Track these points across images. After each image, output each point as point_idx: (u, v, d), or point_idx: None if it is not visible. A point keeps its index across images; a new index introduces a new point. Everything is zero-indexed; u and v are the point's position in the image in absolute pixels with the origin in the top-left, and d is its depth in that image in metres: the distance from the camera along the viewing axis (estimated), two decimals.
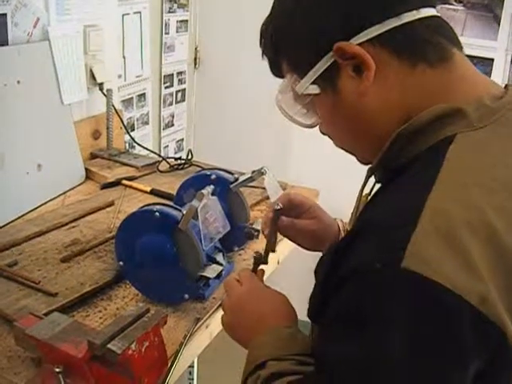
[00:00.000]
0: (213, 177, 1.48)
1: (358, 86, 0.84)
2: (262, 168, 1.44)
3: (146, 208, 1.27)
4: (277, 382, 0.83)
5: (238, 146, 3.11)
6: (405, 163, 0.82)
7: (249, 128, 3.13)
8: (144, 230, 1.26)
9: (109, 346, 0.92)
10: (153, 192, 1.96)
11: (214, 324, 1.36)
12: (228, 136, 3.18)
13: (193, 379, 2.10)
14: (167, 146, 3.09)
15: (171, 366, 1.03)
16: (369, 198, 0.95)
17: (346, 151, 0.97)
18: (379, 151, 0.85)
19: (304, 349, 0.90)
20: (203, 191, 1.21)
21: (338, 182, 2.74)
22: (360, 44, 0.82)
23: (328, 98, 0.89)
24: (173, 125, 3.08)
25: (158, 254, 1.26)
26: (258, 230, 1.48)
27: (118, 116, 2.30)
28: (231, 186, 1.47)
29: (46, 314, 1.19)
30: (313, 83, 0.89)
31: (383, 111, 0.85)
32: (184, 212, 1.22)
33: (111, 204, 1.86)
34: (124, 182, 2.04)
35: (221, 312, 1.36)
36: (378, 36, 0.82)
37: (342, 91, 0.86)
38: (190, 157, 2.25)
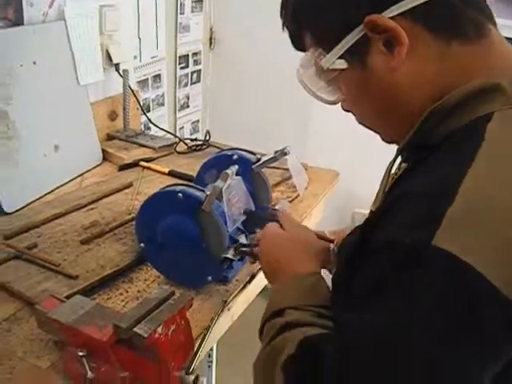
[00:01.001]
0: (235, 157, 1.44)
1: (389, 61, 0.81)
2: (284, 148, 1.40)
3: (168, 189, 1.24)
4: (292, 332, 0.80)
5: (254, 127, 3.07)
6: (438, 141, 0.79)
7: (265, 109, 3.09)
8: (166, 211, 1.23)
9: (135, 329, 0.90)
10: (171, 173, 1.93)
11: (236, 307, 1.34)
12: (244, 117, 3.14)
13: (212, 362, 2.08)
14: (182, 127, 3.06)
15: (198, 349, 1.01)
16: (395, 177, 0.92)
17: (370, 129, 0.93)
18: (408, 129, 0.82)
19: (324, 301, 0.87)
20: (228, 171, 1.17)
21: (357, 165, 2.71)
22: (392, 18, 0.78)
23: (355, 74, 0.85)
24: (188, 106, 3.05)
25: (181, 236, 1.23)
26: (275, 209, 1.45)
27: (135, 96, 2.27)
28: (253, 166, 1.44)
29: (67, 297, 1.16)
30: (339, 58, 0.85)
31: (415, 88, 0.82)
32: (208, 193, 1.19)
33: (129, 185, 1.83)
34: (142, 163, 2.01)
35: (243, 295, 1.35)
36: (411, 9, 0.78)
37: (372, 67, 0.83)
38: (207, 138, 2.22)
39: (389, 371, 0.64)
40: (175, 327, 0.95)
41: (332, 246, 1.20)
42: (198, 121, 3.21)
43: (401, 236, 0.67)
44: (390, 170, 0.93)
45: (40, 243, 1.45)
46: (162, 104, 2.76)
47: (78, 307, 1.07)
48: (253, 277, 1.39)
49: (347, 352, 0.67)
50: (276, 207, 1.46)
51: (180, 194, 1.20)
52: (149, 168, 1.99)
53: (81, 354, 1.00)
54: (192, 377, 0.97)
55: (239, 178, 1.27)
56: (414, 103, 0.82)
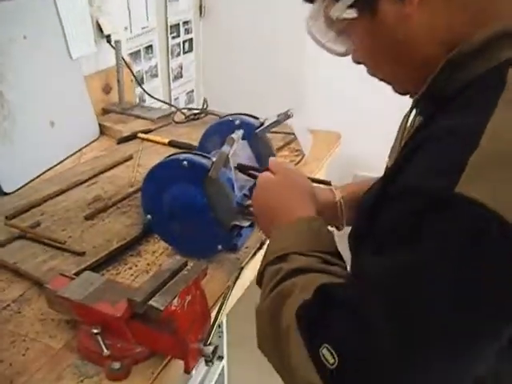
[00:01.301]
0: (237, 122, 1.40)
1: (401, 9, 0.77)
2: (288, 111, 1.37)
3: (172, 157, 1.21)
4: (302, 277, 0.78)
5: (249, 95, 3.01)
6: (456, 90, 0.75)
7: (260, 75, 3.03)
8: (172, 180, 1.20)
9: (150, 302, 0.87)
10: (171, 143, 1.89)
11: (247, 274, 1.31)
12: (239, 84, 3.08)
13: (222, 332, 2.06)
14: (177, 98, 3.01)
15: (215, 319, 0.98)
16: (411, 130, 0.88)
17: (382, 80, 0.90)
18: (422, 79, 0.79)
19: (329, 246, 0.86)
20: (233, 136, 1.14)
21: (357, 127, 2.67)
22: None
23: (366, 23, 0.82)
24: (182, 76, 3.00)
25: (188, 205, 1.19)
26: None
27: (128, 68, 2.21)
28: (257, 131, 1.40)
29: (76, 274, 1.14)
30: (349, 7, 0.81)
31: (428, 36, 0.78)
32: (214, 159, 1.15)
33: (129, 158, 1.80)
34: (140, 135, 1.97)
35: (253, 262, 1.32)
36: None
37: (383, 16, 0.79)
38: (205, 106, 2.17)
39: (414, 313, 0.62)
40: (191, 298, 0.92)
41: (337, 198, 1.16)
42: (192, 91, 3.15)
43: (422, 182, 0.65)
44: (406, 123, 0.90)
45: (43, 221, 1.41)
46: (156, 75, 2.71)
47: (87, 284, 1.04)
48: (262, 243, 1.36)
49: (371, 298, 0.65)
50: None
51: (185, 162, 1.17)
52: (148, 139, 1.95)
53: (95, 331, 0.97)
54: (211, 348, 0.95)
55: (245, 142, 1.23)
56: (429, 52, 0.79)
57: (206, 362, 0.96)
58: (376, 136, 2.83)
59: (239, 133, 1.18)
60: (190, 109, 2.24)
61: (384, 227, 0.71)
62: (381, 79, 0.89)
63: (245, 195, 1.31)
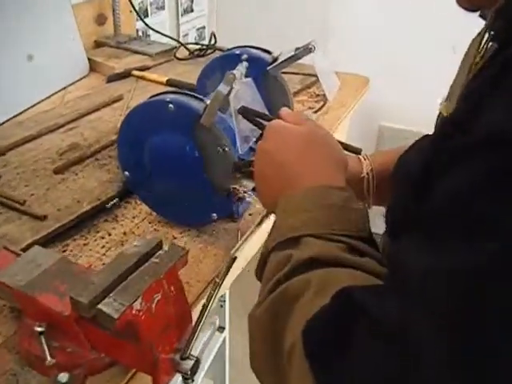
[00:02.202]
0: (244, 56, 1.12)
1: None
2: (309, 43, 1.07)
3: (155, 98, 0.93)
4: (319, 272, 0.53)
5: (267, 31, 2.71)
6: None
7: (279, 8, 2.72)
8: (154, 128, 0.92)
9: (100, 306, 0.61)
10: (170, 83, 1.61)
11: (250, 246, 1.05)
12: (256, 20, 2.77)
13: (225, 301, 1.81)
14: (187, 34, 2.70)
15: (198, 322, 0.71)
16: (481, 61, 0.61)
17: None
18: None
19: (360, 228, 0.60)
20: (234, 71, 0.85)
21: (385, 71, 2.37)
22: None
23: None
24: (192, 10, 2.68)
25: (174, 160, 0.92)
26: None
27: None
28: (269, 68, 1.11)
29: (29, 246, 0.88)
30: None
31: None
32: (207, 102, 0.88)
33: (119, 99, 1.52)
34: (134, 72, 1.68)
35: (258, 233, 1.06)
36: None
37: None
38: (213, 42, 1.87)
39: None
40: (161, 297, 0.65)
41: (365, 171, 0.90)
42: (203, 27, 2.84)
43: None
44: (477, 50, 0.62)
45: (4, 174, 1.15)
46: (162, 8, 2.40)
47: (34, 264, 0.79)
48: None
49: (421, 322, 0.41)
50: None
51: (171, 105, 0.89)
52: (143, 78, 1.66)
53: (39, 329, 0.72)
54: (190, 363, 0.68)
55: (249, 80, 0.94)
56: None
57: (185, 379, 0.70)
58: (406, 84, 2.56)
59: (241, 68, 0.90)
60: (196, 44, 1.95)
61: (445, 203, 0.45)
62: None
63: (251, 148, 1.04)
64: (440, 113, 0.69)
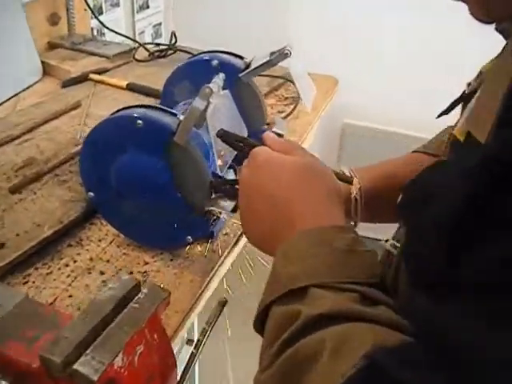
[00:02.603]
0: (214, 63, 1.04)
1: None
2: (284, 48, 1.00)
3: (122, 113, 0.85)
4: (334, 330, 0.46)
5: (226, 29, 2.64)
6: None
7: (238, 7, 2.64)
8: (122, 146, 0.84)
9: (77, 366, 0.53)
10: (130, 87, 1.52)
11: (227, 268, 0.98)
12: (214, 17, 2.68)
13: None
14: (143, 32, 2.60)
15: (185, 370, 0.63)
16: None
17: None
18: None
19: (369, 274, 0.53)
20: (211, 85, 0.77)
21: (348, 68, 2.32)
22: None
23: None
24: (148, 6, 2.58)
25: (145, 181, 0.85)
26: (279, 135, 1.07)
27: None
28: (241, 74, 1.04)
29: None
30: None
31: None
32: (181, 117, 0.80)
33: (77, 106, 1.42)
34: (92, 76, 1.59)
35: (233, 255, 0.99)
36: None
37: None
38: (173, 41, 1.79)
39: None
40: (144, 348, 0.58)
41: (354, 192, 0.84)
42: (160, 24, 2.74)
43: None
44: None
45: None
46: (117, 4, 2.29)
47: None
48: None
49: None
50: (273, 129, 1.07)
51: (140, 122, 0.81)
52: (102, 82, 1.57)
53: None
54: None
55: (226, 92, 0.87)
56: None
57: None
58: (369, 82, 2.51)
59: (219, 80, 0.82)
60: (156, 44, 1.86)
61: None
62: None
63: (231, 168, 0.97)
64: (450, 136, 0.63)
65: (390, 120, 2.62)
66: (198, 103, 0.77)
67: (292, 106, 1.49)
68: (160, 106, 0.86)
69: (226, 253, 0.95)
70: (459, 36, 2.27)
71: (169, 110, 0.84)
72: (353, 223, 0.86)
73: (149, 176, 0.84)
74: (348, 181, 0.77)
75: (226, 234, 0.99)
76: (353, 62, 2.47)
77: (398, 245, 0.64)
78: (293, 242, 0.55)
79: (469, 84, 0.67)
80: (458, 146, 0.54)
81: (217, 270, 0.92)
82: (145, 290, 0.61)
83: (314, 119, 1.45)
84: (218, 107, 0.79)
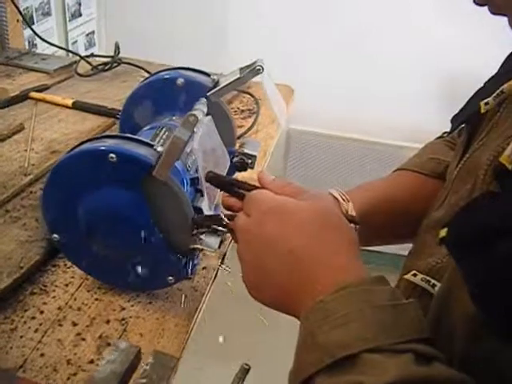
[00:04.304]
0: (179, 81, 0.96)
1: None
2: (255, 63, 0.93)
3: (90, 146, 0.75)
4: None
5: (161, 37, 2.55)
6: None
7: (173, 14, 2.56)
8: (91, 183, 0.75)
9: None
10: (77, 106, 1.41)
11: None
12: (149, 25, 2.58)
13: None
14: (76, 41, 2.47)
15: None
16: None
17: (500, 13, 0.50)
18: None
19: (420, 327, 0.48)
20: (195, 113, 0.69)
21: (293, 75, 2.27)
22: None
23: None
24: (81, 14, 2.46)
25: (120, 219, 0.76)
26: (252, 156, 1.00)
27: (13, 3, 1.67)
28: (209, 93, 0.96)
29: None
30: None
31: None
32: (159, 149, 0.72)
33: (20, 129, 1.30)
34: (33, 94, 1.47)
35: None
36: None
37: None
38: (117, 53, 1.69)
39: None
40: None
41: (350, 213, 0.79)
42: (93, 32, 2.62)
43: None
44: None
45: None
46: (49, 13, 2.17)
47: None
48: (224, 256, 0.94)
49: None
50: (245, 150, 1.00)
51: (112, 156, 0.72)
52: (44, 100, 1.45)
53: None
54: None
55: (209, 118, 0.79)
56: None
57: None
58: (314, 87, 2.47)
59: (202, 106, 0.74)
60: (97, 56, 1.75)
61: None
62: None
63: (196, 189, 0.89)
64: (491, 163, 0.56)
65: (334, 125, 2.61)
66: (181, 133, 0.69)
67: (250, 120, 1.42)
68: (133, 136, 0.77)
69: (208, 289, 0.87)
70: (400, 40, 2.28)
71: (143, 140, 0.76)
72: None
73: (124, 214, 0.76)
74: (354, 221, 0.71)
75: (205, 267, 0.92)
76: (291, 66, 2.42)
77: (434, 282, 0.58)
78: (328, 302, 0.48)
79: (486, 103, 0.62)
80: (504, 173, 0.49)
81: (201, 310, 0.84)
82: (150, 360, 0.53)
83: (275, 131, 1.39)
84: (206, 140, 0.71)
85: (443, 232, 0.50)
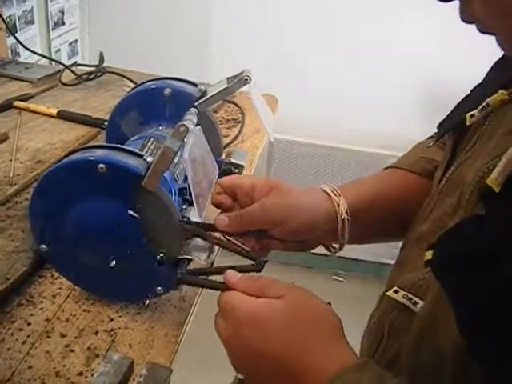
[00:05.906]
0: (167, 91, 0.96)
1: None
2: (242, 73, 0.93)
3: (78, 157, 0.75)
4: None
5: (144, 46, 2.54)
6: None
7: (156, 23, 2.56)
8: (79, 193, 0.75)
9: None
10: (62, 115, 1.40)
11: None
12: (132, 34, 2.58)
13: None
14: (59, 50, 2.46)
15: None
16: None
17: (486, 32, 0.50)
18: None
19: None
20: (185, 122, 0.69)
21: (275, 85, 2.28)
22: None
23: None
24: (64, 23, 2.45)
25: (108, 230, 0.76)
26: (239, 166, 1.00)
27: None
28: (197, 103, 0.96)
29: None
30: None
31: None
32: (149, 159, 0.72)
33: (4, 139, 1.29)
34: (17, 103, 1.46)
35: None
36: None
37: None
38: (101, 62, 1.68)
39: None
40: None
41: (342, 214, 0.81)
42: (76, 41, 2.61)
43: None
44: None
45: None
46: (32, 22, 2.16)
47: None
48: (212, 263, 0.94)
49: None
50: (232, 160, 1.00)
51: (102, 166, 0.72)
52: (28, 110, 1.45)
53: None
54: None
55: (198, 128, 0.79)
56: None
57: None
58: (297, 96, 2.48)
59: (192, 116, 0.74)
60: (81, 65, 1.75)
61: None
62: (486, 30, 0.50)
63: (184, 200, 0.89)
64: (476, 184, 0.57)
65: (316, 134, 2.62)
66: (172, 143, 0.69)
67: (235, 129, 1.42)
68: (122, 146, 0.77)
69: (196, 299, 0.87)
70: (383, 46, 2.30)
71: (133, 150, 0.75)
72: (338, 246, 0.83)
73: (112, 224, 0.75)
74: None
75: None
76: (276, 75, 2.43)
77: (416, 299, 0.59)
78: None
79: (472, 115, 0.63)
80: (491, 196, 0.49)
81: (189, 319, 0.84)
82: (144, 372, 0.53)
83: (260, 142, 1.39)
84: (196, 150, 0.72)
85: (429, 255, 0.51)
